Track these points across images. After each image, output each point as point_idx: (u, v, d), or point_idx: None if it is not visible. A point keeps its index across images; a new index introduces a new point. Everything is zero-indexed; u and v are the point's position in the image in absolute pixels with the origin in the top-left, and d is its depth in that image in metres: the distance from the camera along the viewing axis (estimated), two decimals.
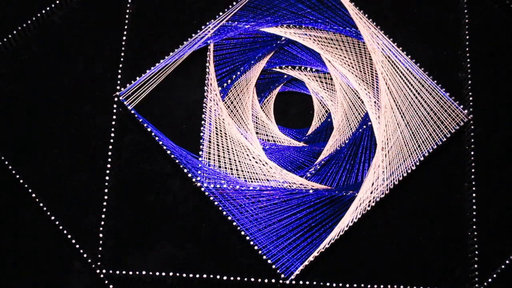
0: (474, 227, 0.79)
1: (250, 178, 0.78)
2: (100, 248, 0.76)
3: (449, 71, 0.86)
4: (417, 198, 0.81)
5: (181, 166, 0.78)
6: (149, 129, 0.79)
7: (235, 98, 0.83)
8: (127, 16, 0.87)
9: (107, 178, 0.79)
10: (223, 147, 0.79)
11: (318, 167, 0.80)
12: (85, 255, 0.76)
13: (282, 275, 0.74)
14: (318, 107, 0.85)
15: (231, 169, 0.78)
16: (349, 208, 0.76)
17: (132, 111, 0.80)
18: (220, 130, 0.80)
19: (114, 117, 0.81)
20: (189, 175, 0.77)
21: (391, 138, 0.80)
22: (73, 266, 0.77)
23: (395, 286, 0.76)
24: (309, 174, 0.79)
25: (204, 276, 0.75)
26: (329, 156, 0.80)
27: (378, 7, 0.88)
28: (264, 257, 0.74)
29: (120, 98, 0.81)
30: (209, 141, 0.79)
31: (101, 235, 0.77)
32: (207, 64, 0.82)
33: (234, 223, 0.75)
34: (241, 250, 0.77)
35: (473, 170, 0.82)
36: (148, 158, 0.81)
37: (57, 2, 0.87)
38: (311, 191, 0.77)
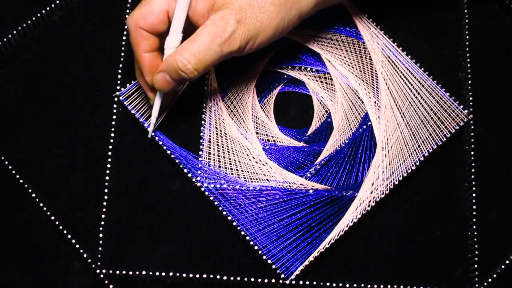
0: (474, 227, 0.79)
1: (250, 178, 0.78)
2: (100, 248, 0.76)
3: (449, 71, 0.86)
4: (417, 198, 0.81)
5: (181, 166, 0.78)
6: (149, 129, 0.79)
7: (235, 98, 0.83)
8: (127, 16, 0.87)
9: (107, 178, 0.79)
10: (223, 147, 0.79)
11: (318, 167, 0.80)
12: (85, 255, 0.76)
13: (282, 275, 0.74)
14: (318, 107, 0.85)
15: (231, 169, 0.78)
16: (349, 208, 0.76)
17: (132, 111, 0.80)
18: (220, 130, 0.80)
19: (114, 117, 0.81)
20: (189, 175, 0.77)
21: (391, 138, 0.80)
22: (73, 266, 0.77)
23: (395, 286, 0.76)
24: (309, 174, 0.79)
25: (204, 276, 0.75)
26: (329, 156, 0.80)
27: (378, 7, 0.88)
28: (264, 257, 0.74)
29: (120, 98, 0.81)
30: (209, 141, 0.79)
31: (101, 235, 0.77)
32: None
33: (234, 223, 0.75)
34: (241, 250, 0.77)
35: (473, 170, 0.82)
36: (148, 158, 0.81)
37: (57, 2, 0.87)
38: (311, 191, 0.77)
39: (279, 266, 0.74)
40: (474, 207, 0.80)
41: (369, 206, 0.76)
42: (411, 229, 0.79)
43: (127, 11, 0.87)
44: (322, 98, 0.86)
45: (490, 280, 0.78)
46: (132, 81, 0.82)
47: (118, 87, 0.83)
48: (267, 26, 0.70)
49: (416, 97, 0.82)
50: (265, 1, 0.70)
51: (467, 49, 0.86)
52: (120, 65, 0.84)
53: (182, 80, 0.71)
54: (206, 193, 0.76)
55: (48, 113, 0.83)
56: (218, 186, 0.76)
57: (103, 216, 0.78)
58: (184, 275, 0.75)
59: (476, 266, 0.78)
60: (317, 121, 0.85)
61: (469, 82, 0.85)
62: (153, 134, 0.79)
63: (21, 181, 0.79)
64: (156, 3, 0.70)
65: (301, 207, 0.76)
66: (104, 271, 0.76)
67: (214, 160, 0.79)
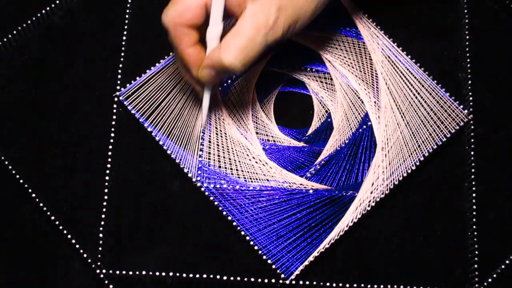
0: (474, 227, 0.79)
1: (250, 178, 0.78)
2: (100, 248, 0.76)
3: (449, 71, 0.86)
4: (417, 198, 0.81)
5: (181, 166, 0.78)
6: (149, 129, 0.79)
7: (235, 98, 0.83)
8: (127, 16, 0.87)
9: (107, 178, 0.79)
10: (223, 147, 0.79)
11: (318, 167, 0.80)
12: (85, 255, 0.76)
13: (282, 275, 0.74)
14: (318, 107, 0.85)
15: (231, 169, 0.78)
16: (349, 208, 0.76)
17: (132, 111, 0.80)
18: (220, 130, 0.80)
19: (114, 117, 0.81)
20: (189, 175, 0.77)
21: (391, 138, 0.80)
22: (73, 266, 0.77)
23: (395, 286, 0.76)
24: (309, 174, 0.79)
25: (204, 276, 0.75)
26: (329, 156, 0.80)
27: (378, 7, 0.88)
28: (264, 257, 0.74)
29: (120, 98, 0.81)
30: (209, 141, 0.79)
31: (101, 235, 0.77)
32: None
33: (234, 223, 0.75)
34: (241, 250, 0.77)
35: (473, 170, 0.82)
36: (148, 158, 0.81)
37: (57, 2, 0.87)
38: (311, 191, 0.77)
39: (279, 266, 0.74)
40: (474, 207, 0.80)
41: (369, 206, 0.76)
42: (411, 229, 0.79)
43: (127, 11, 0.87)
44: (322, 98, 0.86)
45: (490, 280, 0.78)
46: (132, 81, 0.82)
47: (118, 87, 0.83)
48: (307, 9, 0.69)
49: (416, 97, 0.82)
50: None
51: (467, 49, 0.86)
52: (120, 65, 0.84)
53: (229, 74, 0.69)
54: (206, 193, 0.76)
55: (48, 113, 0.83)
56: (218, 186, 0.76)
57: (103, 216, 0.78)
58: (184, 275, 0.75)
59: (476, 266, 0.78)
60: (317, 121, 0.85)
61: (469, 82, 0.85)
62: (204, 127, 0.78)
63: (21, 181, 0.79)
64: None
65: (301, 207, 0.76)
66: (104, 271, 0.76)
67: (214, 160, 0.79)
